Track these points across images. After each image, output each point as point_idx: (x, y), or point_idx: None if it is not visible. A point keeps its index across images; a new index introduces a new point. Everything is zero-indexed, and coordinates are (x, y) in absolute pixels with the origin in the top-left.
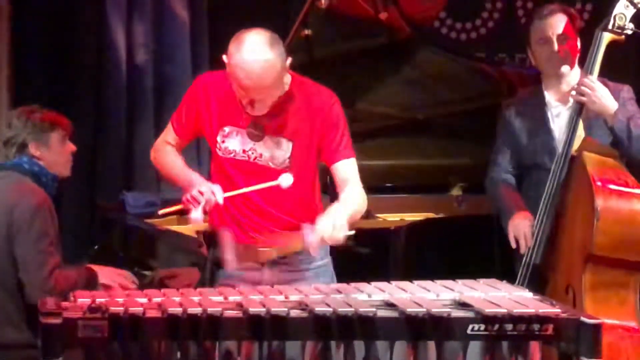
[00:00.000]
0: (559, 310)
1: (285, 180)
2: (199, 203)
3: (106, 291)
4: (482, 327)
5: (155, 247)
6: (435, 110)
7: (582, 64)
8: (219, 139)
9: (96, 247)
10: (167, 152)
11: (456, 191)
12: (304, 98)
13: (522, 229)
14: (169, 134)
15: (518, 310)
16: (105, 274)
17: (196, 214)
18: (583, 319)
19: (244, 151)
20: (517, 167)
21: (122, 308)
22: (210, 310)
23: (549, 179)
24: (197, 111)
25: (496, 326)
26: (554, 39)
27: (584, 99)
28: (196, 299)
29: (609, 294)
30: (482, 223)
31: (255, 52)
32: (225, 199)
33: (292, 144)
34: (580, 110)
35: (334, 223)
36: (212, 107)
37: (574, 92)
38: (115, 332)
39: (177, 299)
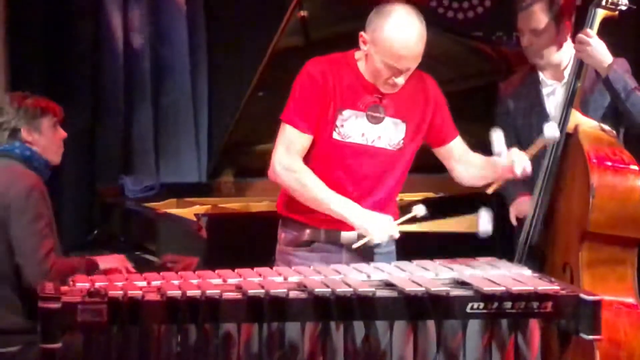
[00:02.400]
0: (558, 287)
1: (420, 210)
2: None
3: (105, 275)
4: (481, 305)
5: (155, 231)
6: None
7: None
8: (337, 123)
9: (96, 231)
10: (313, 178)
11: None
12: (413, 79)
13: (524, 208)
14: (293, 142)
15: (517, 288)
16: (105, 260)
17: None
18: (582, 295)
19: (362, 134)
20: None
21: (121, 292)
22: (209, 292)
23: (545, 157)
24: (320, 99)
25: (495, 304)
26: (527, 34)
27: (580, 54)
28: (195, 281)
29: (606, 270)
30: (482, 202)
31: (409, 21)
32: (326, 181)
33: (406, 125)
34: (578, 75)
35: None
36: (331, 92)
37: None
38: (114, 316)
39: (176, 282)
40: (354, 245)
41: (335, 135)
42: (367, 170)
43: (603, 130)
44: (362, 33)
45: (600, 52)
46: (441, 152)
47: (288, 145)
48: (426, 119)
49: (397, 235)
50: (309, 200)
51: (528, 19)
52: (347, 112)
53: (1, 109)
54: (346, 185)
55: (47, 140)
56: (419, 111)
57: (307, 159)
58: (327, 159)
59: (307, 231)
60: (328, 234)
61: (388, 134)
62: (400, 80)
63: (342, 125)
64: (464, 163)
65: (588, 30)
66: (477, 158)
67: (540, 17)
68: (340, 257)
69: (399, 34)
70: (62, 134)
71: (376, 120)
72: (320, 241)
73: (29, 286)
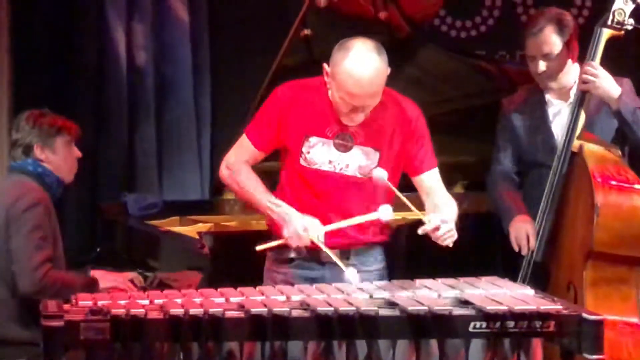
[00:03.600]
0: (561, 306)
1: (385, 213)
2: (302, 242)
3: (108, 292)
4: (484, 324)
5: (158, 249)
6: (436, 108)
7: (581, 60)
8: (304, 149)
9: (98, 249)
10: (247, 176)
11: (458, 189)
12: (391, 108)
13: (523, 232)
14: (244, 150)
15: (519, 307)
16: (106, 278)
17: (352, 276)
18: (585, 315)
19: (330, 162)
20: (518, 165)
21: (123, 310)
22: (211, 311)
23: (550, 175)
24: (280, 122)
25: (498, 323)
26: (539, 59)
27: (587, 86)
28: (198, 300)
29: (610, 290)
30: (484, 221)
31: (366, 59)
32: (297, 206)
33: (379, 154)
34: (581, 102)
35: (451, 224)
36: (297, 117)
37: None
38: (117, 334)
39: (179, 300)
40: (258, 248)
41: (301, 162)
42: (340, 198)
43: (608, 149)
44: (324, 65)
45: (608, 84)
46: (415, 181)
47: (238, 151)
48: (402, 148)
49: (320, 244)
50: (245, 200)
51: (540, 44)
52: (313, 139)
53: (17, 126)
54: (326, 212)
55: (61, 159)
56: (394, 140)
57: (283, 185)
58: (299, 185)
59: (290, 249)
60: (309, 252)
61: (357, 161)
62: (359, 117)
63: (308, 152)
64: (430, 200)
65: (593, 62)
66: (438, 202)
67: (553, 41)
68: (323, 274)
69: (354, 71)
70: (77, 153)
71: (344, 149)
72: (302, 258)
73: (23, 295)
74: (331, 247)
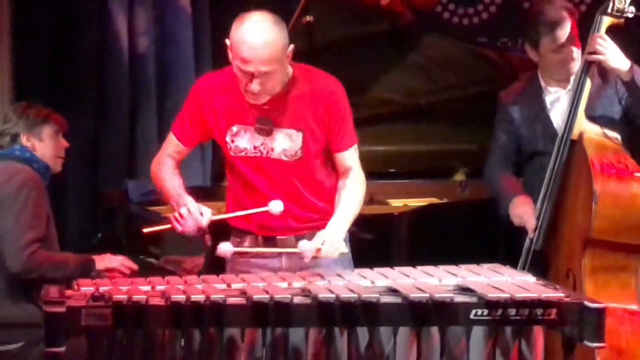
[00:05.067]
0: (562, 294)
1: (275, 206)
2: (185, 221)
3: (109, 278)
4: (485, 312)
5: (159, 235)
6: (438, 95)
7: (583, 48)
8: (227, 139)
9: (99, 235)
10: (165, 169)
11: (459, 176)
12: (309, 86)
13: (524, 210)
14: (170, 145)
15: (521, 294)
16: (103, 260)
17: (189, 226)
18: (586, 303)
19: (254, 147)
20: (517, 155)
21: (125, 296)
22: (213, 297)
23: (550, 163)
24: (202, 115)
25: (499, 311)
26: (569, 44)
27: (600, 57)
28: (199, 286)
29: (610, 277)
30: (486, 208)
31: (258, 25)
32: (240, 195)
33: (302, 134)
34: (581, 90)
35: (332, 241)
36: (217, 108)
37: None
38: (118, 320)
39: (181, 286)
40: (145, 230)
41: (230, 152)
42: (274, 182)
43: (607, 137)
44: (226, 40)
45: (618, 55)
46: (334, 157)
47: (165, 146)
48: (322, 126)
49: (204, 224)
50: (161, 192)
51: (565, 33)
52: (235, 127)
53: (5, 117)
54: (268, 197)
55: (47, 147)
56: (314, 119)
57: (230, 175)
58: (237, 174)
59: (247, 238)
60: (265, 240)
61: (281, 144)
62: (255, 87)
63: (232, 141)
64: (343, 178)
65: (601, 34)
66: (344, 188)
67: (565, 34)
68: (280, 262)
69: (245, 36)
70: (64, 143)
71: (266, 133)
72: (258, 246)
73: (12, 274)
74: (283, 235)
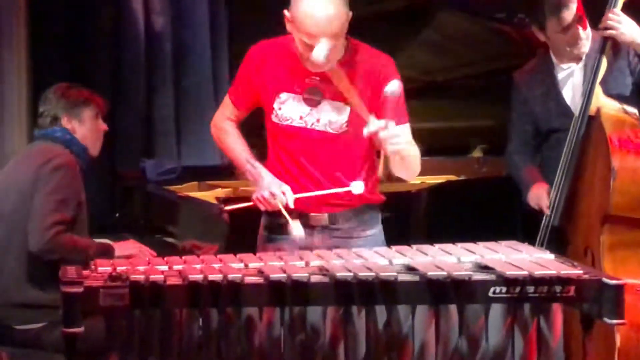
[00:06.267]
0: (581, 271)
1: (357, 187)
2: (268, 203)
3: (127, 259)
4: (504, 289)
5: (176, 214)
6: (455, 72)
7: (593, 24)
8: (275, 106)
9: (117, 214)
10: (229, 133)
11: (477, 153)
12: (362, 61)
13: (538, 194)
14: (227, 108)
15: (539, 272)
16: (123, 246)
17: (298, 230)
18: (605, 279)
19: (300, 117)
20: (534, 135)
21: (142, 276)
22: (230, 277)
23: (567, 139)
24: (253, 81)
25: (518, 288)
26: (575, 25)
27: (613, 32)
28: (217, 265)
29: (628, 254)
30: (503, 185)
31: None
32: (279, 165)
33: (350, 108)
34: (597, 68)
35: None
36: (267, 74)
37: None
38: (136, 300)
39: (198, 266)
40: (226, 207)
41: (273, 118)
42: (314, 154)
43: (626, 112)
44: (285, 11)
45: (633, 29)
46: None
47: (223, 109)
48: (372, 102)
49: (291, 205)
50: (230, 158)
51: (572, 13)
52: (284, 95)
53: (44, 98)
54: (307, 169)
55: (88, 129)
56: (365, 94)
57: (272, 145)
58: (278, 142)
59: (281, 215)
60: (298, 217)
61: (327, 116)
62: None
63: (279, 108)
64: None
65: (615, 9)
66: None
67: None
68: (312, 240)
69: (310, 11)
70: (103, 126)
71: (314, 103)
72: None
73: (32, 251)
74: (317, 212)
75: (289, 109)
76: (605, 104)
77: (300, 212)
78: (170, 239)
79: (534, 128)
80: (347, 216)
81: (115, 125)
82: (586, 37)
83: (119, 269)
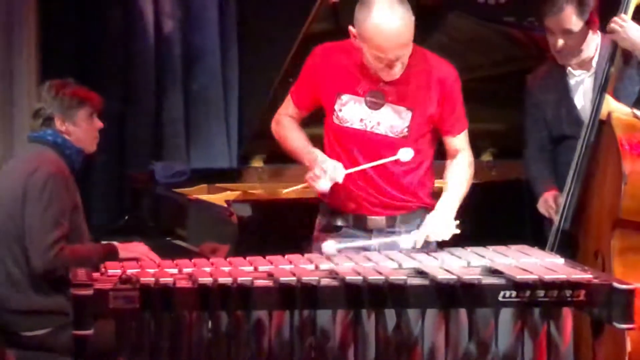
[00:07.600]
0: (591, 275)
1: (405, 154)
2: (320, 179)
3: (137, 262)
4: (514, 293)
5: (185, 217)
6: (464, 75)
7: (602, 28)
8: (336, 107)
9: (126, 217)
10: (288, 127)
11: (486, 157)
12: (425, 68)
13: (547, 202)
14: (288, 107)
15: (549, 276)
16: (127, 248)
17: (324, 184)
18: (615, 284)
19: (361, 120)
20: (549, 141)
21: (152, 279)
22: (240, 280)
23: (578, 143)
24: (315, 81)
25: (528, 292)
26: (558, 35)
27: (614, 36)
28: (226, 269)
29: (638, 258)
30: (513, 188)
31: (387, 12)
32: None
33: (412, 113)
34: (607, 78)
35: (443, 223)
36: (329, 76)
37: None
38: (146, 303)
39: (208, 269)
40: (285, 190)
41: (334, 119)
42: (372, 158)
43: (636, 117)
44: (350, 28)
45: (636, 34)
46: (444, 139)
47: (285, 108)
48: (434, 108)
49: (340, 180)
50: (288, 151)
51: (560, 22)
52: (345, 97)
53: (39, 96)
54: (365, 171)
55: (82, 131)
56: (427, 100)
57: (330, 145)
58: (338, 143)
59: (338, 218)
60: (355, 219)
61: (389, 120)
62: (397, 68)
63: (340, 110)
64: (449, 166)
65: (622, 14)
66: (453, 167)
67: (574, 21)
68: (370, 242)
69: (380, 25)
70: (98, 124)
71: (376, 106)
72: (348, 226)
73: (34, 272)
74: (375, 215)
75: (350, 111)
76: (616, 109)
77: (358, 216)
78: (179, 242)
79: (547, 133)
80: (404, 219)
81: (124, 127)
82: (590, 42)
83: (129, 271)
